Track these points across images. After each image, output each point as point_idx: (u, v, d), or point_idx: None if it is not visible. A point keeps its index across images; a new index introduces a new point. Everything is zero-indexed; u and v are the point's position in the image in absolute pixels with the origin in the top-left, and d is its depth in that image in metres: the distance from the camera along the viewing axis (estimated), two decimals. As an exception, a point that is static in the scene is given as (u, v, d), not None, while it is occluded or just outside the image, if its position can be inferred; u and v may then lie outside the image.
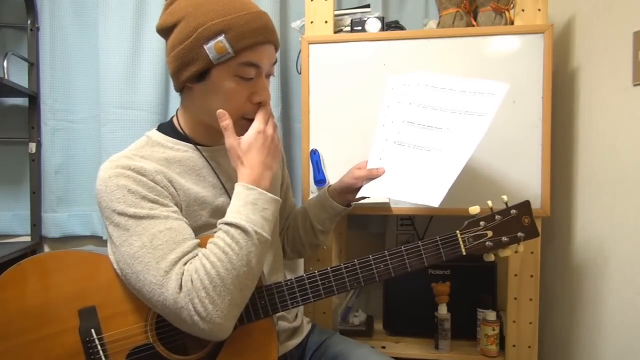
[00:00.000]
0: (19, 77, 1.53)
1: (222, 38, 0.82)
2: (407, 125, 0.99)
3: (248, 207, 0.81)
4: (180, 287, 0.76)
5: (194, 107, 0.92)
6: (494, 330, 1.28)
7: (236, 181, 0.85)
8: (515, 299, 1.23)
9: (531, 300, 1.22)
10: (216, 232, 0.81)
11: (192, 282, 0.76)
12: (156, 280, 0.76)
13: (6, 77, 1.44)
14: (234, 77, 0.85)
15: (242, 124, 0.88)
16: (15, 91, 1.48)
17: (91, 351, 0.82)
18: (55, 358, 0.82)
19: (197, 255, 0.80)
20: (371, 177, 1.00)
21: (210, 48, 0.82)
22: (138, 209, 0.79)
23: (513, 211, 0.91)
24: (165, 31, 0.89)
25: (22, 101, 1.60)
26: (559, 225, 1.33)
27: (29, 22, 1.54)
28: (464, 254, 0.90)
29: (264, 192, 0.83)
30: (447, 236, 0.90)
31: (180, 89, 0.92)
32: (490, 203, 0.92)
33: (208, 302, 0.75)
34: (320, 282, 0.87)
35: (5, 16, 1.61)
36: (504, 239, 0.91)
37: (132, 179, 0.81)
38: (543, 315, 1.41)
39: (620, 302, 1.07)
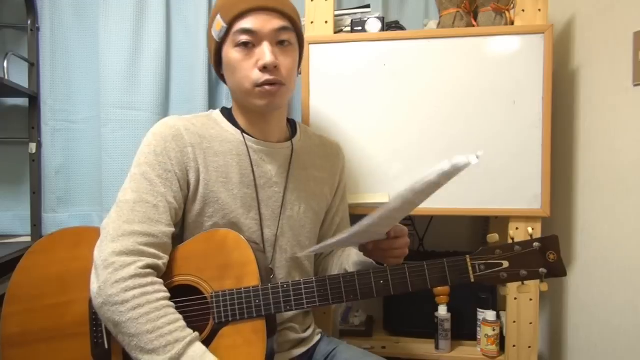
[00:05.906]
0: (19, 77, 1.53)
1: (218, 17, 0.91)
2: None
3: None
4: (124, 254, 0.78)
5: (230, 92, 0.99)
6: (494, 330, 1.28)
7: (269, 179, 0.94)
8: (515, 299, 1.23)
9: (531, 300, 1.22)
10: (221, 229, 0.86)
11: (134, 274, 0.76)
12: (113, 232, 0.80)
13: (6, 77, 1.43)
14: (234, 48, 0.90)
15: (257, 92, 0.91)
16: (15, 91, 1.48)
17: (95, 322, 0.85)
18: (64, 324, 0.86)
19: (152, 251, 0.80)
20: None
21: (214, 30, 0.92)
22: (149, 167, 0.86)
23: (536, 244, 0.85)
24: None
25: (22, 101, 1.60)
26: (559, 225, 1.33)
27: (29, 22, 1.54)
28: (472, 280, 0.84)
29: None
30: (455, 260, 0.85)
31: (224, 82, 0.99)
32: (511, 232, 0.87)
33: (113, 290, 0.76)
34: (316, 289, 0.86)
35: (5, 16, 1.61)
36: (522, 272, 0.84)
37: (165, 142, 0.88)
38: (543, 315, 1.41)
39: (620, 302, 1.07)
